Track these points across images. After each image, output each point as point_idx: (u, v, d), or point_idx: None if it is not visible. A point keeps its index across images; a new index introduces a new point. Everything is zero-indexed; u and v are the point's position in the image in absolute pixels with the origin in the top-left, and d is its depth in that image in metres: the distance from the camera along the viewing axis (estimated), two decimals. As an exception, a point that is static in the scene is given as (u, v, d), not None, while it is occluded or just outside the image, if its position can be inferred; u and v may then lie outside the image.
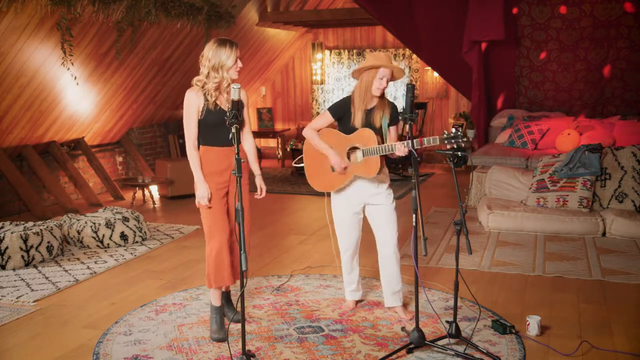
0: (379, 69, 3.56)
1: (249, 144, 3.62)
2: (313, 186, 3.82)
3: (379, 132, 3.65)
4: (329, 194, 3.88)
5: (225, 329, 3.54)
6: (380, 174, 3.67)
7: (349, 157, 3.67)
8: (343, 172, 3.65)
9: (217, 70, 3.39)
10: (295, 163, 4.14)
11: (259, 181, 3.61)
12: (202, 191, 3.47)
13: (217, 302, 3.60)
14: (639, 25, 7.78)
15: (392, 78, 3.63)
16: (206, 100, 3.43)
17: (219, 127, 3.40)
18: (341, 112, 3.68)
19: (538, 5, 8.14)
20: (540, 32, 8.23)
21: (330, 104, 10.98)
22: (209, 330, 3.58)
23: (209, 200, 3.47)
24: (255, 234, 5.80)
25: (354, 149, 3.66)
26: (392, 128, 3.70)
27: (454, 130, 3.48)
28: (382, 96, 3.67)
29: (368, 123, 3.63)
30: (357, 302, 4.03)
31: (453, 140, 3.43)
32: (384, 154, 3.55)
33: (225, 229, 3.52)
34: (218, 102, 3.45)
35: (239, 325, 3.40)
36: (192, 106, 3.44)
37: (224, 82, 3.43)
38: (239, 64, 3.44)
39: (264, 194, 3.63)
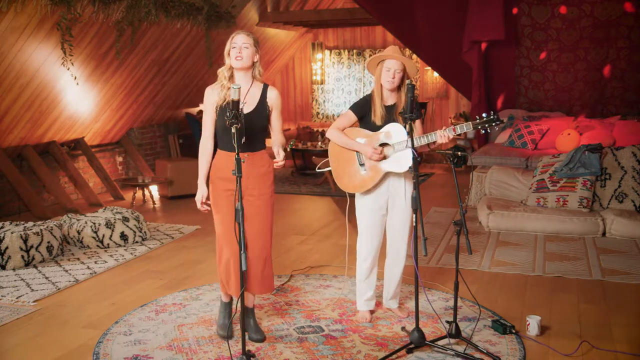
0: (384, 61, 3.54)
1: (276, 143, 3.44)
2: (343, 188, 3.66)
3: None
4: (352, 197, 3.74)
5: (231, 327, 3.52)
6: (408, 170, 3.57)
7: None
8: (379, 159, 3.51)
9: (226, 59, 3.35)
10: (318, 168, 3.95)
11: (276, 148, 3.38)
12: (198, 193, 3.41)
13: (226, 299, 3.59)
14: (639, 25, 7.78)
15: (404, 72, 3.53)
16: (218, 100, 3.32)
17: (227, 131, 3.27)
18: (363, 110, 3.60)
19: (538, 5, 8.14)
20: (540, 32, 8.23)
21: (330, 103, 11.03)
22: (216, 325, 3.57)
23: (217, 207, 3.38)
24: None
25: (383, 145, 3.56)
26: (417, 122, 3.55)
27: (485, 115, 3.41)
28: (400, 91, 3.57)
29: (390, 119, 3.56)
30: (372, 312, 3.86)
31: (487, 125, 3.37)
32: (425, 143, 3.45)
33: (234, 240, 3.37)
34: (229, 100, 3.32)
35: (239, 326, 3.39)
36: (207, 103, 3.38)
37: (224, 72, 3.33)
38: (238, 49, 3.26)
39: (280, 157, 3.34)
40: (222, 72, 3.36)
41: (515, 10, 8.20)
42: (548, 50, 8.28)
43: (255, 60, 3.34)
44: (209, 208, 3.42)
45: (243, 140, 3.26)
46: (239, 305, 3.00)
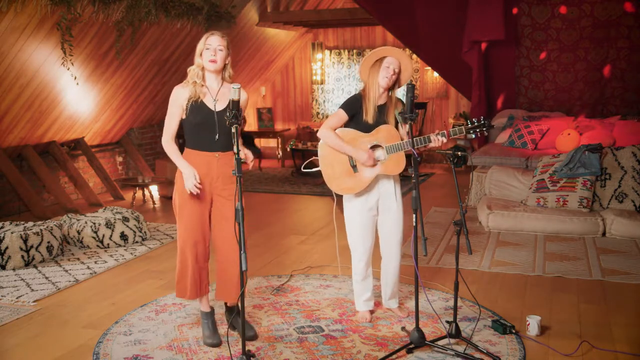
0: (383, 58, 3.53)
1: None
2: (334, 189, 3.64)
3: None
4: (339, 197, 3.73)
5: (218, 333, 3.49)
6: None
7: None
8: (373, 165, 3.54)
9: (196, 58, 3.31)
10: (304, 168, 3.96)
11: (244, 151, 3.36)
12: (187, 174, 3.24)
13: (205, 308, 3.55)
14: (639, 25, 7.78)
15: (401, 71, 3.56)
16: (190, 95, 3.29)
17: (199, 128, 3.29)
18: (354, 109, 3.59)
19: (538, 5, 8.14)
20: (540, 32, 8.23)
21: (330, 103, 11.02)
22: (203, 338, 3.52)
23: (182, 208, 3.37)
24: (255, 234, 5.80)
25: (375, 147, 3.57)
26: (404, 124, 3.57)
27: (475, 120, 3.44)
28: (390, 92, 3.60)
29: (381, 119, 3.57)
30: (372, 311, 3.85)
31: (478, 130, 3.39)
32: (420, 145, 3.45)
33: (197, 241, 3.41)
34: (203, 99, 3.31)
35: (237, 329, 3.39)
36: (176, 102, 3.32)
37: (197, 70, 3.30)
38: (212, 51, 3.24)
39: (249, 160, 3.37)
40: (195, 70, 3.31)
41: (515, 10, 8.20)
42: (548, 50, 8.28)
43: (227, 62, 3.34)
44: (200, 187, 3.30)
45: (216, 137, 3.29)
46: (238, 303, 2.99)
